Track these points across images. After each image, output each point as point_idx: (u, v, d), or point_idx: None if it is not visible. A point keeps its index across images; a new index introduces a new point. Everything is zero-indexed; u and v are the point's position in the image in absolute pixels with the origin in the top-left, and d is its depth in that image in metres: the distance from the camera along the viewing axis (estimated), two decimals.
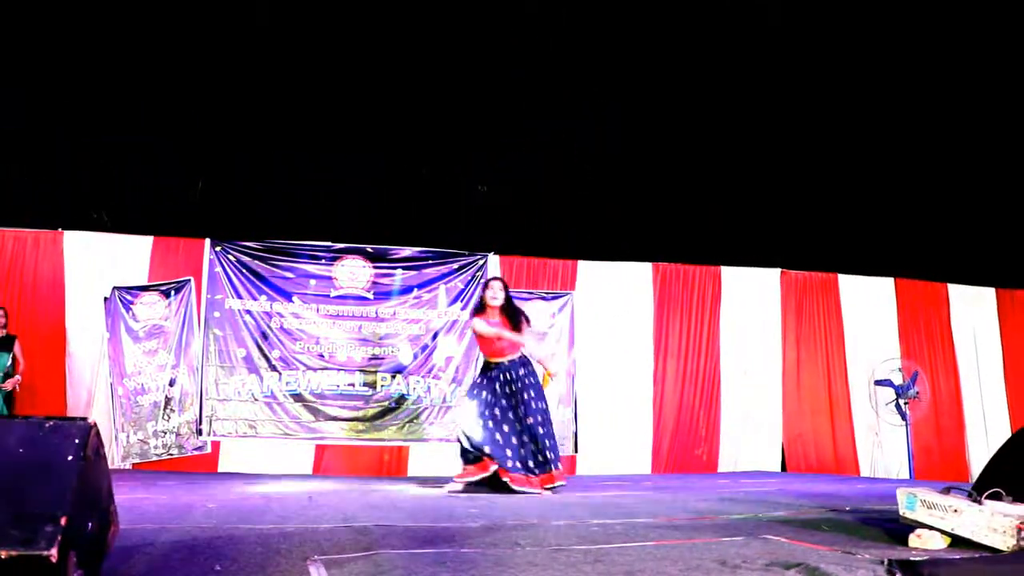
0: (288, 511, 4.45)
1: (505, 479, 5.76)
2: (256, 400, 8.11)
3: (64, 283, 8.06)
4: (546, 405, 6.10)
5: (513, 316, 6.14)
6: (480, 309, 6.21)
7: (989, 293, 10.27)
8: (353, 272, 8.49)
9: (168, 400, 7.99)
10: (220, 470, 7.97)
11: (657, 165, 9.29)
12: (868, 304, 9.80)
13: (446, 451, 8.37)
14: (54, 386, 7.91)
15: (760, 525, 3.99)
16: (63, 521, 2.07)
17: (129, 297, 8.05)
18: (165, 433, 7.92)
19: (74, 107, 7.95)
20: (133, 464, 7.82)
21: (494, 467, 5.80)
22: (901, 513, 3.47)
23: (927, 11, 8.52)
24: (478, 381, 6.21)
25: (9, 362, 7.41)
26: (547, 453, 5.88)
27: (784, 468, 9.23)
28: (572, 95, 8.94)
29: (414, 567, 2.79)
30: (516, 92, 8.67)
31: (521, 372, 6.02)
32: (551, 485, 5.83)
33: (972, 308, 10.16)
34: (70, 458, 2.17)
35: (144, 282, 8.16)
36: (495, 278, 6.53)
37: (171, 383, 8.02)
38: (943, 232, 9.89)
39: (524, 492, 5.68)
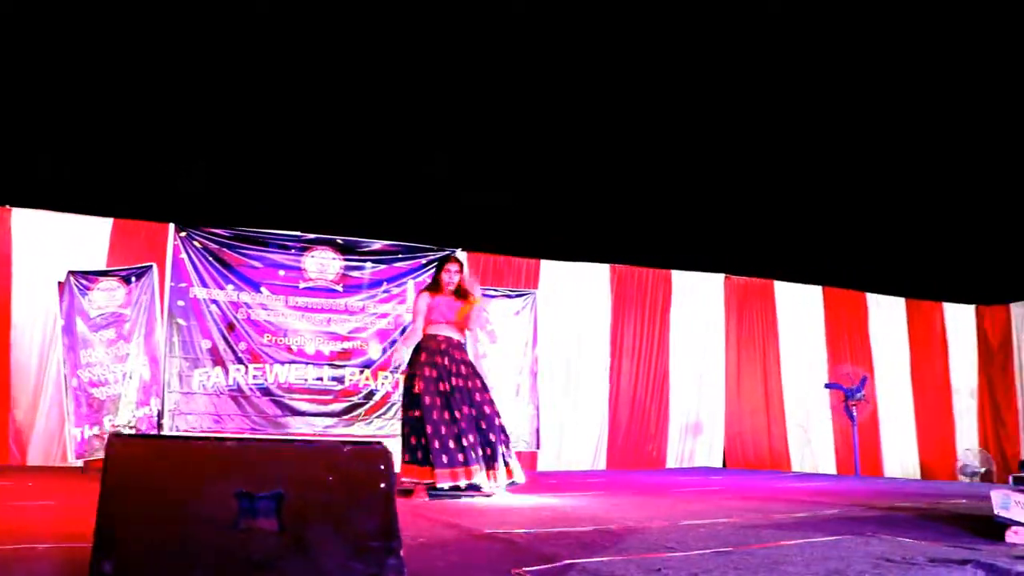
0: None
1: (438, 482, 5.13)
2: (221, 394, 7.80)
3: (11, 264, 7.49)
4: (491, 396, 5.47)
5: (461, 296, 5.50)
6: (434, 287, 5.55)
7: (899, 303, 11.15)
8: (323, 263, 8.29)
9: (127, 392, 7.56)
10: None
11: (616, 168, 9.53)
12: (800, 309, 10.44)
13: None
14: None
15: (841, 523, 4.23)
16: (401, 552, 2.05)
17: (86, 282, 7.54)
18: (124, 428, 7.49)
19: (31, 75, 7.38)
20: (86, 462, 7.35)
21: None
22: (996, 512, 3.81)
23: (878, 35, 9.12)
24: (414, 364, 5.41)
25: None
26: (496, 447, 5.31)
27: (725, 464, 9.71)
28: (538, 100, 9.04)
29: (633, 574, 2.80)
30: (489, 93, 8.69)
31: (458, 356, 5.41)
32: (495, 482, 5.27)
33: (885, 315, 11.01)
34: (383, 485, 2.12)
35: (102, 267, 7.68)
36: (455, 260, 5.66)
37: (131, 375, 7.59)
38: (863, 246, 10.67)
39: (452, 487, 5.12)
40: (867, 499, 5.58)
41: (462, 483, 5.17)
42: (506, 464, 5.34)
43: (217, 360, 7.83)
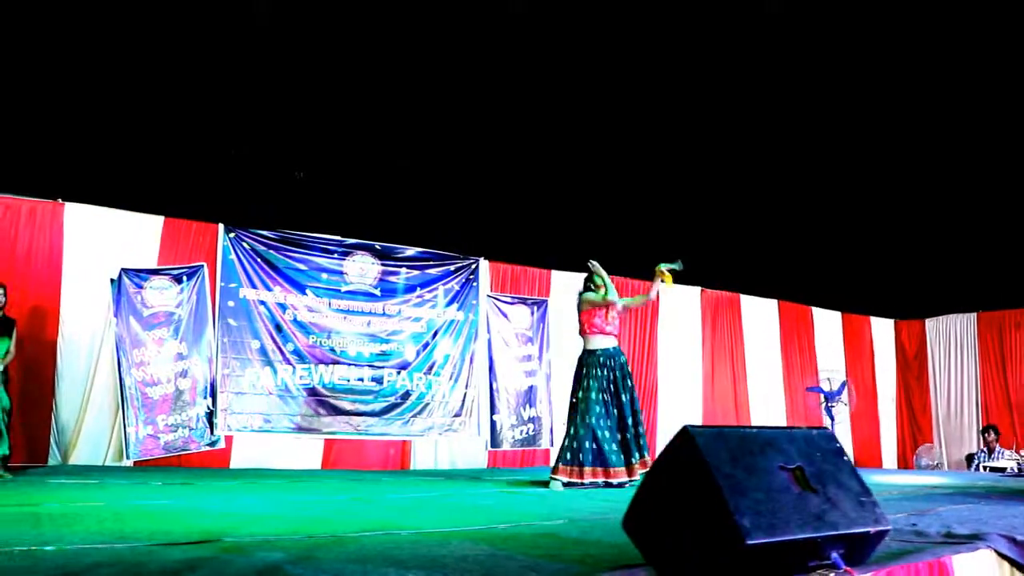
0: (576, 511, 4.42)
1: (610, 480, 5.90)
2: (271, 394, 7.91)
3: (61, 260, 7.33)
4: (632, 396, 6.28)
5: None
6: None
7: (837, 316, 12.46)
8: (363, 268, 8.54)
9: (180, 392, 7.57)
10: (232, 466, 7.70)
11: (610, 185, 10.22)
12: (760, 321, 11.50)
13: (444, 445, 8.77)
14: (41, 374, 7.16)
15: (945, 498, 5.08)
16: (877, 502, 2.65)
17: (139, 280, 7.50)
18: (177, 427, 7.50)
19: (85, 70, 7.29)
20: (135, 461, 7.31)
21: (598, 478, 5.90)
22: None
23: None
24: (583, 374, 6.19)
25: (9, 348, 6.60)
26: (641, 444, 6.09)
27: None
28: (551, 132, 9.57)
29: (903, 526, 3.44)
30: (508, 125, 9.16)
31: (621, 360, 6.27)
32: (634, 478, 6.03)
33: (827, 327, 12.27)
34: (845, 458, 2.72)
35: (153, 265, 7.64)
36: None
37: (183, 374, 7.61)
38: (809, 264, 11.84)
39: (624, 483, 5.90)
40: (916, 485, 6.52)
41: (600, 481, 5.81)
42: (641, 459, 5.98)
43: (266, 360, 7.93)
